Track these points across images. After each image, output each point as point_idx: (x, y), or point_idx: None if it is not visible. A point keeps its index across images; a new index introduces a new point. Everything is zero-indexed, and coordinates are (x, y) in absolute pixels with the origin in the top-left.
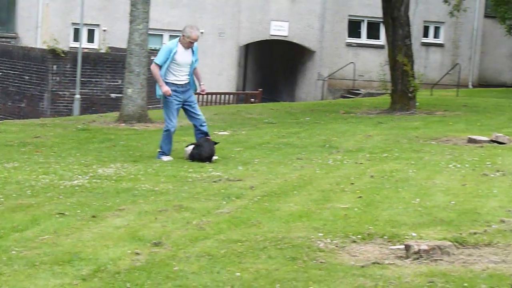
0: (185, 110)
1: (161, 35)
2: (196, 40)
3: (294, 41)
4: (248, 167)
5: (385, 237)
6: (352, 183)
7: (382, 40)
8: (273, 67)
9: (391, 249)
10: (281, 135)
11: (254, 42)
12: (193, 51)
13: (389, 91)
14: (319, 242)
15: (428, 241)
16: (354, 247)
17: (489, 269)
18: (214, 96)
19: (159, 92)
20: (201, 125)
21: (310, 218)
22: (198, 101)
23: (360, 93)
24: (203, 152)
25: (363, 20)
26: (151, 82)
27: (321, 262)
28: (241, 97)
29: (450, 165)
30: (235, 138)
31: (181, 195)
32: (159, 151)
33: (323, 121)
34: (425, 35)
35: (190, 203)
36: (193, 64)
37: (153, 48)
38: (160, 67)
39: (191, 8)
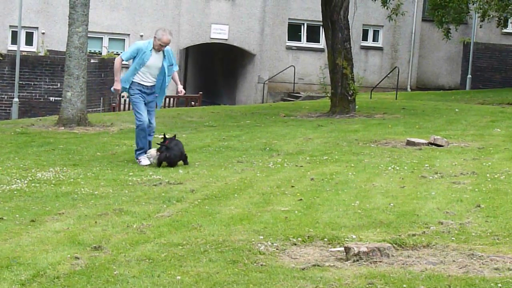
0: None
1: (101, 38)
2: (167, 43)
3: (235, 44)
4: (189, 170)
5: (325, 239)
6: (293, 186)
7: (322, 43)
8: (213, 70)
9: (331, 251)
10: (222, 138)
11: (194, 45)
12: (164, 56)
13: (329, 94)
14: (259, 245)
15: (367, 243)
16: (294, 249)
17: (428, 270)
18: None
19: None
20: (149, 134)
21: (251, 221)
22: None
23: (300, 96)
24: (172, 156)
25: (303, 24)
26: (90, 85)
27: (261, 265)
28: (181, 101)
29: (389, 168)
30: None
31: (121, 198)
32: (136, 150)
33: (263, 124)
34: (364, 38)
35: (130, 207)
36: (167, 69)
37: (92, 51)
38: (122, 61)
39: (131, 11)
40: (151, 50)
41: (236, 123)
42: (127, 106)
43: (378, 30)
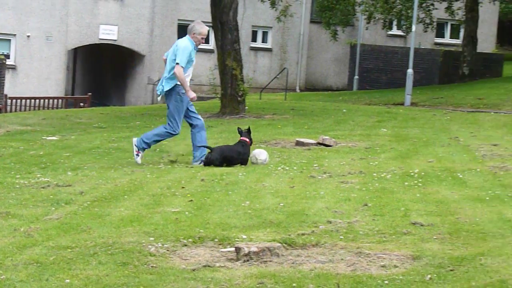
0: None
1: None
2: (206, 35)
3: (124, 45)
4: (78, 172)
5: (216, 240)
6: (183, 187)
7: (212, 44)
8: (102, 71)
9: (221, 251)
10: (111, 140)
11: (83, 46)
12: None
13: (219, 95)
14: (150, 246)
15: (257, 243)
16: (185, 250)
17: (317, 269)
18: (42, 100)
19: (165, 88)
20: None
21: (141, 223)
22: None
23: None
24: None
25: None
26: None
27: (152, 266)
28: (70, 102)
29: (279, 168)
30: (64, 143)
31: (8, 201)
32: (144, 145)
33: (153, 125)
34: (254, 39)
35: (17, 210)
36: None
37: None
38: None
39: (18, 10)
40: (195, 47)
41: (126, 124)
42: (13, 107)
43: (267, 32)
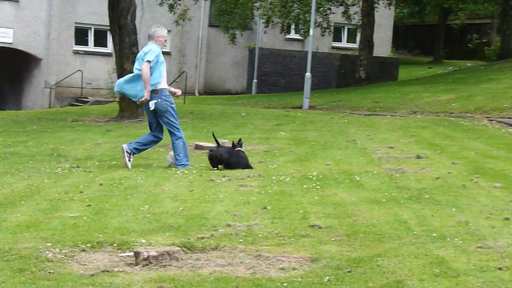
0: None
1: None
2: (166, 37)
3: (20, 48)
4: None
5: (115, 244)
6: (81, 192)
7: (110, 48)
8: None
9: (120, 256)
10: (8, 144)
11: None
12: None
13: (117, 99)
14: (47, 252)
15: (157, 247)
16: (83, 255)
17: (216, 272)
18: None
19: (140, 95)
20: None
21: (38, 228)
22: None
23: (88, 101)
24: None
25: (90, 28)
26: None
27: (49, 272)
28: None
29: (178, 172)
30: None
31: None
32: (184, 162)
33: (51, 130)
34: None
35: None
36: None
37: None
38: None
39: None
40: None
41: (22, 128)
42: None
43: None
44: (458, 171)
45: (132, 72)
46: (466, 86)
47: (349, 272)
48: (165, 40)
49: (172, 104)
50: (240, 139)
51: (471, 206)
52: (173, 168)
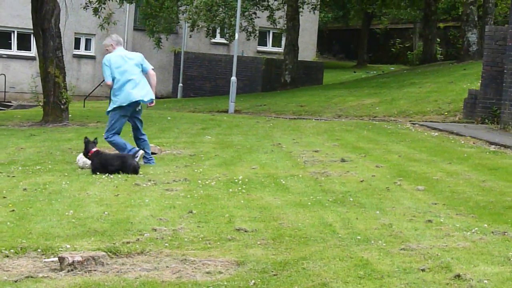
0: None
1: None
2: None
3: None
4: None
5: (39, 250)
6: (5, 197)
7: (34, 51)
8: None
9: (45, 262)
10: None
11: None
12: None
13: (41, 103)
14: None
15: (82, 252)
16: (7, 261)
17: (142, 277)
18: None
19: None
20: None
21: None
22: None
23: (11, 105)
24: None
25: (13, 31)
26: None
27: None
28: None
29: (103, 176)
30: None
31: None
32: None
33: None
34: (77, 47)
35: None
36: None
37: None
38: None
39: None
40: None
41: None
42: None
43: (90, 39)
44: (382, 174)
45: (56, 76)
46: (389, 90)
47: (274, 275)
48: (106, 50)
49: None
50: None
51: (394, 209)
52: (97, 172)
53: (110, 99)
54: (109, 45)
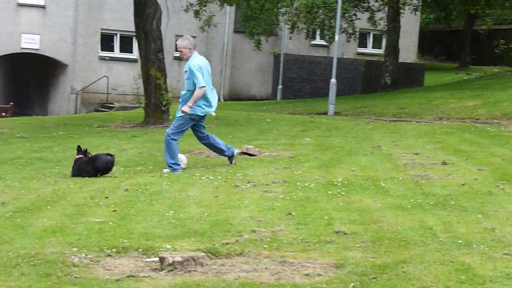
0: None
1: None
2: (178, 48)
3: (46, 54)
4: (0, 183)
5: (140, 250)
6: (107, 197)
7: (135, 53)
8: (25, 81)
9: (145, 261)
10: (34, 150)
11: (4, 55)
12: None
13: (142, 105)
14: (73, 257)
15: (182, 253)
16: (109, 261)
17: (241, 278)
18: None
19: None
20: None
21: (64, 233)
22: None
23: (114, 107)
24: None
25: (116, 34)
26: None
27: (75, 277)
28: None
29: (203, 177)
30: None
31: None
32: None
33: (76, 135)
34: (177, 49)
35: None
36: (187, 80)
37: None
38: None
39: None
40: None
41: (49, 134)
42: None
43: None
44: (484, 177)
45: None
46: (492, 92)
47: (374, 278)
48: (180, 51)
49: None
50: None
51: (497, 213)
52: (198, 174)
53: (183, 102)
54: (187, 48)
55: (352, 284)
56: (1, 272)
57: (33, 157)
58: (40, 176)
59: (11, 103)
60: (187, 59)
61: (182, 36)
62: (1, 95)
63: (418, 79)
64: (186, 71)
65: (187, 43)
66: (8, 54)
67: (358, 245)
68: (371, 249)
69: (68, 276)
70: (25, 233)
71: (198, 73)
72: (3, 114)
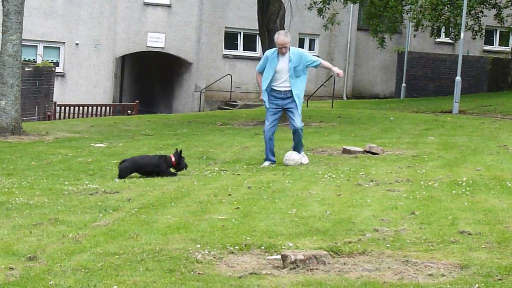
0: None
1: (35, 46)
2: (282, 44)
3: (171, 52)
4: (125, 180)
5: (262, 247)
6: (230, 194)
7: (259, 52)
8: (150, 79)
9: (268, 259)
10: (159, 147)
11: (130, 54)
12: (290, 59)
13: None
14: (197, 253)
15: (304, 251)
16: (231, 258)
17: (363, 277)
18: (90, 108)
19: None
20: (294, 132)
21: (188, 230)
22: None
23: (237, 105)
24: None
25: (239, 32)
26: (25, 93)
27: (199, 273)
28: (117, 109)
29: (326, 176)
30: (112, 150)
31: (57, 208)
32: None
33: (200, 133)
34: (301, 47)
35: (66, 216)
36: (293, 71)
37: (27, 59)
38: (260, 73)
39: (66, 18)
40: (277, 55)
41: (173, 131)
42: (62, 115)
43: (314, 39)
44: None
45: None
46: None
47: (499, 280)
48: (282, 48)
49: (265, 102)
50: (180, 151)
51: None
52: (320, 172)
53: (298, 97)
54: (289, 43)
55: (477, 285)
56: (127, 267)
57: (157, 154)
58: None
59: (137, 101)
60: (284, 54)
61: (305, 34)
62: (127, 93)
63: None
64: (291, 62)
65: (289, 38)
66: (135, 53)
67: (483, 246)
68: (496, 250)
69: (192, 272)
70: (149, 229)
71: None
72: (129, 112)
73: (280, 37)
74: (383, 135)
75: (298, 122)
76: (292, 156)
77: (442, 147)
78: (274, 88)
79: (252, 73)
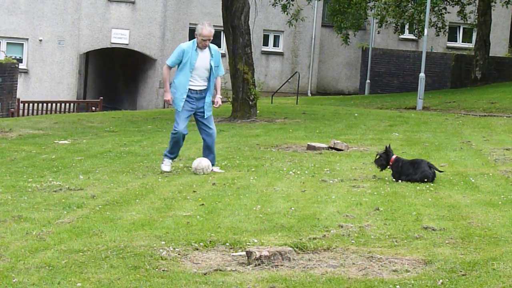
0: (196, 120)
1: None
2: (208, 37)
3: (135, 49)
4: (90, 176)
5: (227, 244)
6: (194, 191)
7: (223, 48)
8: (114, 75)
9: (233, 255)
10: (123, 144)
11: (94, 50)
12: (212, 55)
13: (230, 99)
14: (161, 250)
15: (269, 247)
16: (196, 254)
17: (328, 273)
18: (54, 104)
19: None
20: (208, 141)
21: (153, 227)
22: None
23: None
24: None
25: None
26: None
27: (163, 270)
28: (81, 106)
29: (290, 172)
30: (76, 147)
31: (20, 205)
32: (166, 153)
33: (165, 129)
34: (265, 43)
35: (29, 214)
36: (214, 71)
37: None
38: (170, 68)
39: (30, 15)
40: (196, 49)
41: (137, 128)
42: (26, 111)
43: (279, 35)
44: None
45: (245, 72)
46: None
47: (463, 275)
48: (203, 40)
49: (175, 105)
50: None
51: None
52: (285, 169)
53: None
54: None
55: (440, 280)
56: (91, 264)
57: (122, 151)
58: (129, 170)
59: (101, 98)
60: (204, 48)
61: (270, 30)
62: (91, 89)
63: (509, 73)
64: (214, 60)
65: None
66: (99, 49)
67: (447, 242)
68: (460, 246)
69: (156, 269)
70: (114, 226)
71: None
72: (93, 108)
73: (206, 27)
74: (348, 131)
75: (214, 126)
76: (201, 165)
77: (406, 143)
78: (190, 87)
79: None
